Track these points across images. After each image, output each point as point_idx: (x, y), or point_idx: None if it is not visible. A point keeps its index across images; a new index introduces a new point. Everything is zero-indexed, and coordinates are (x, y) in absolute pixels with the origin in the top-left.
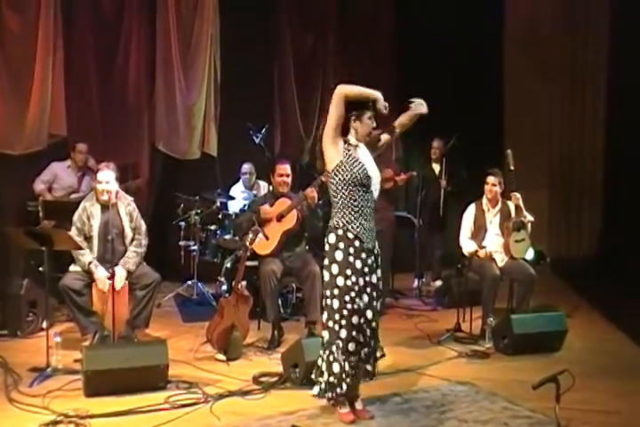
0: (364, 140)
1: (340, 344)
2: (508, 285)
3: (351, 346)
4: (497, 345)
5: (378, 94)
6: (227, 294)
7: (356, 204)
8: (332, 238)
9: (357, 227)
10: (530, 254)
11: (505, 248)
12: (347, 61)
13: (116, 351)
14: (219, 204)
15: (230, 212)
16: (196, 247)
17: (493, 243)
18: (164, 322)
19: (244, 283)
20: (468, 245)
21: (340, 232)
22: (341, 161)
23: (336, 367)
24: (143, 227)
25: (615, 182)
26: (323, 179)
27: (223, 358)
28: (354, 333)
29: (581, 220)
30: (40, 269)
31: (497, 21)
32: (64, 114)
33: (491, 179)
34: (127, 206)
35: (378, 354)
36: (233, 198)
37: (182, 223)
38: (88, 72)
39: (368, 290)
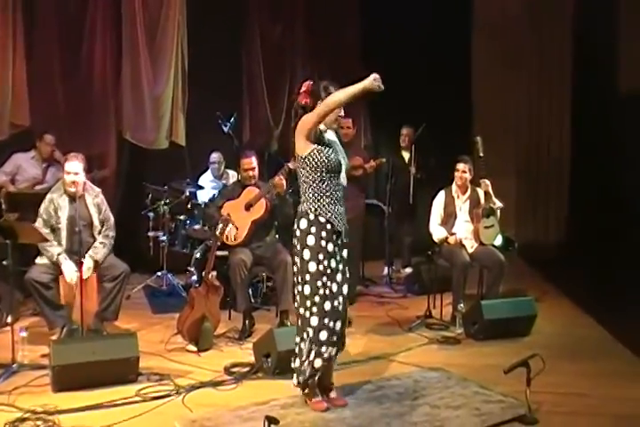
0: (332, 127)
1: (311, 332)
2: (477, 271)
3: (322, 334)
4: (467, 331)
5: (366, 82)
6: (197, 285)
7: (327, 188)
8: (303, 224)
9: (329, 211)
10: (498, 240)
11: (474, 234)
12: (314, 50)
13: (85, 345)
14: (187, 193)
15: (199, 201)
16: (165, 238)
17: (463, 229)
18: (133, 314)
19: (214, 273)
20: (438, 232)
21: (312, 217)
22: (315, 147)
23: (304, 354)
24: (111, 219)
25: (581, 170)
26: (290, 166)
27: (194, 349)
28: (325, 320)
29: (548, 206)
30: (4, 262)
31: (465, 9)
32: (27, 103)
33: (460, 166)
34: (95, 198)
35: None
36: (202, 188)
37: (151, 214)
38: (52, 60)
39: (340, 267)
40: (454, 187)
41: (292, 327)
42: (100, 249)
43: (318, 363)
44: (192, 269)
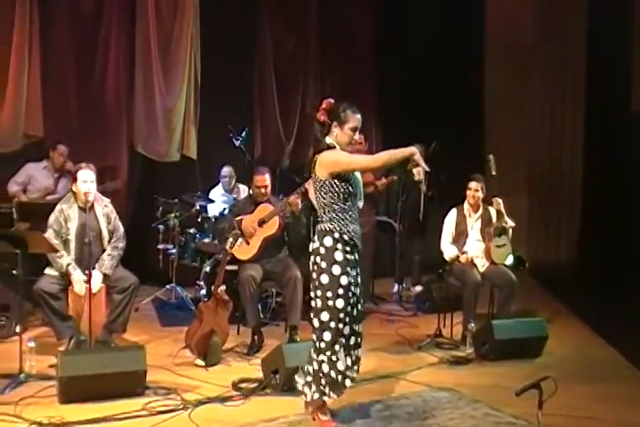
0: (346, 150)
1: (343, 341)
2: (488, 290)
3: (353, 340)
4: (478, 351)
5: (411, 149)
6: (206, 299)
7: (347, 209)
8: (328, 241)
9: (352, 231)
10: (509, 260)
11: (486, 253)
12: (327, 65)
13: (93, 357)
14: (198, 207)
15: (210, 215)
16: (174, 251)
17: (474, 248)
18: (141, 326)
19: (223, 287)
20: (449, 251)
21: (337, 235)
22: (341, 173)
23: (340, 365)
24: (121, 229)
25: (593, 189)
26: (306, 186)
27: (202, 363)
28: (354, 326)
29: (560, 225)
30: (13, 272)
31: (478, 26)
32: (40, 114)
33: (473, 184)
34: (104, 208)
35: None
36: (212, 202)
37: (161, 226)
38: (66, 72)
39: (356, 282)
40: (466, 205)
41: (301, 343)
42: (107, 262)
43: (350, 367)
44: (201, 282)
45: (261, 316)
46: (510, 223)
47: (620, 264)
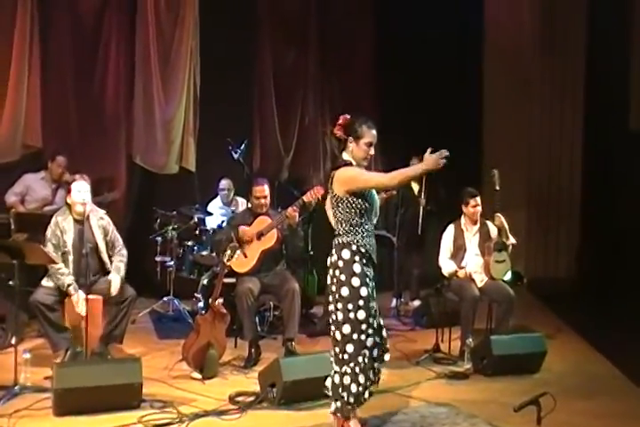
0: (361, 165)
1: (367, 353)
2: (486, 305)
3: (376, 352)
4: (476, 366)
5: (426, 165)
6: (203, 312)
7: (363, 223)
8: (345, 254)
9: (367, 244)
10: (507, 275)
11: (485, 268)
12: (327, 77)
13: (89, 369)
14: (196, 219)
15: (208, 228)
16: (172, 263)
17: (473, 263)
18: (138, 339)
19: (220, 300)
20: (447, 266)
21: (354, 248)
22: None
23: (361, 378)
24: (120, 240)
25: (592, 204)
26: (305, 199)
27: (199, 376)
28: (376, 338)
29: (559, 240)
30: (10, 282)
31: (476, 35)
32: (39, 125)
33: (472, 200)
34: (100, 220)
35: None
36: (211, 214)
37: (159, 238)
38: (65, 83)
39: (372, 300)
40: (463, 220)
41: (298, 357)
42: (122, 266)
43: (371, 379)
44: (199, 295)
45: (259, 329)
46: (512, 240)
47: (619, 279)
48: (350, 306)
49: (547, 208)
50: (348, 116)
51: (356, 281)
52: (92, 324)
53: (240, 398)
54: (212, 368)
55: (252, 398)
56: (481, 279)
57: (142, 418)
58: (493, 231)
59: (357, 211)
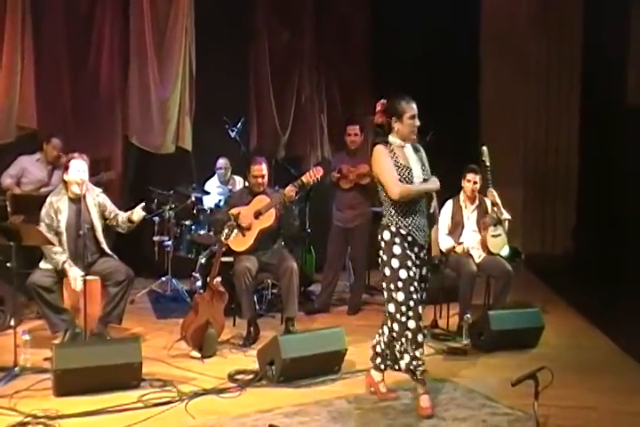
0: (410, 140)
1: (410, 335)
2: (484, 281)
3: (420, 337)
4: (474, 342)
5: (431, 185)
6: (201, 291)
7: (403, 202)
8: (386, 235)
9: (409, 224)
10: (505, 251)
11: (482, 244)
12: (322, 58)
13: (88, 349)
14: (193, 198)
15: (205, 207)
16: (170, 243)
17: (470, 239)
18: (137, 319)
19: (219, 279)
20: (445, 242)
21: (394, 229)
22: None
23: (406, 358)
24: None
25: (589, 180)
26: (304, 180)
27: (198, 355)
28: (420, 322)
29: (556, 217)
30: (8, 264)
31: (473, 16)
32: (34, 106)
33: (470, 176)
34: (96, 197)
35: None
36: (208, 193)
37: (156, 218)
38: (59, 63)
39: (415, 283)
40: (462, 196)
41: (297, 335)
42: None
43: (416, 364)
44: (197, 274)
45: (257, 307)
46: (506, 215)
47: (615, 255)
48: (392, 286)
49: (544, 184)
50: (384, 101)
51: (395, 263)
52: (90, 304)
53: (239, 377)
54: (210, 347)
55: (251, 376)
56: (479, 255)
57: (142, 397)
58: (490, 208)
59: None
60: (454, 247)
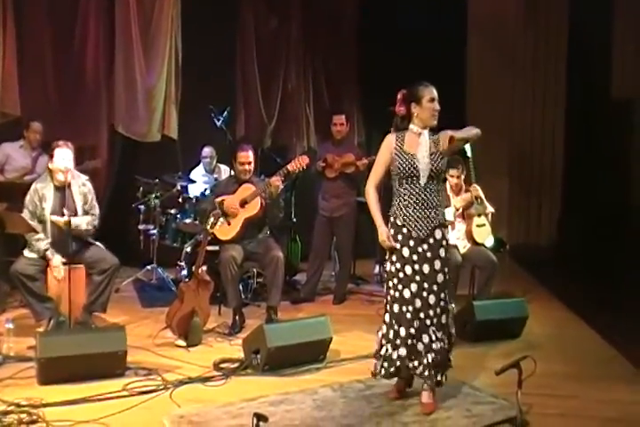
0: (431, 124)
1: (384, 328)
2: (469, 272)
3: (390, 333)
4: (459, 332)
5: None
6: (187, 279)
7: (403, 193)
8: (389, 225)
9: (405, 215)
10: (490, 242)
11: (467, 235)
12: (309, 47)
13: (72, 338)
14: (179, 187)
15: (191, 195)
16: (155, 231)
17: (455, 230)
18: (122, 307)
19: (204, 268)
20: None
21: (392, 219)
22: (391, 154)
23: (383, 350)
24: (96, 210)
25: (574, 170)
26: (289, 168)
27: (183, 344)
28: (393, 321)
29: (541, 207)
30: None
31: (460, 10)
32: (17, 93)
33: (453, 172)
34: (81, 186)
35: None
36: (193, 182)
37: (142, 207)
38: (43, 50)
39: (417, 278)
40: (448, 185)
41: (282, 324)
42: (86, 221)
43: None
44: (182, 263)
45: (242, 296)
46: (490, 209)
47: (599, 246)
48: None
49: (529, 175)
50: (405, 90)
51: (388, 254)
52: (74, 293)
53: (224, 365)
54: (196, 336)
55: (236, 365)
56: (464, 245)
57: (127, 386)
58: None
59: (394, 176)
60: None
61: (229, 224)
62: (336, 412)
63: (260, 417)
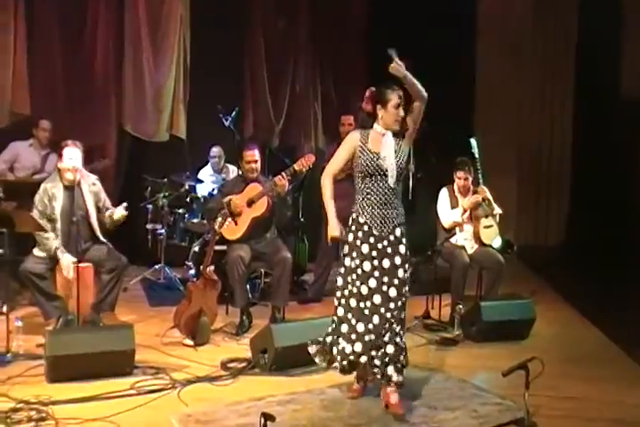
0: (393, 128)
1: (336, 321)
2: (476, 272)
3: (343, 327)
4: (466, 332)
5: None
6: (194, 279)
7: (368, 191)
8: (349, 221)
9: (367, 214)
10: (497, 243)
11: (475, 236)
12: (318, 47)
13: (81, 336)
14: (187, 187)
15: (199, 195)
16: (163, 231)
17: (463, 231)
18: (130, 306)
19: (212, 267)
20: (451, 215)
21: (354, 216)
22: (355, 151)
23: (327, 343)
24: (111, 206)
25: (583, 171)
26: (296, 167)
27: (191, 343)
28: (349, 315)
29: (549, 208)
30: (0, 251)
31: (470, 10)
32: (27, 92)
33: (460, 174)
34: (91, 186)
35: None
36: (201, 182)
37: (150, 206)
38: (53, 49)
39: (376, 274)
40: (456, 186)
41: (289, 324)
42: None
43: (334, 352)
44: (190, 262)
45: (250, 296)
46: (497, 210)
47: (607, 248)
48: (340, 270)
49: (537, 176)
50: (373, 88)
51: (345, 249)
52: (83, 292)
53: (232, 365)
54: (203, 335)
55: (243, 365)
56: (471, 246)
57: (135, 384)
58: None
59: (357, 173)
60: (456, 224)
61: (236, 224)
62: (343, 412)
63: (267, 417)
